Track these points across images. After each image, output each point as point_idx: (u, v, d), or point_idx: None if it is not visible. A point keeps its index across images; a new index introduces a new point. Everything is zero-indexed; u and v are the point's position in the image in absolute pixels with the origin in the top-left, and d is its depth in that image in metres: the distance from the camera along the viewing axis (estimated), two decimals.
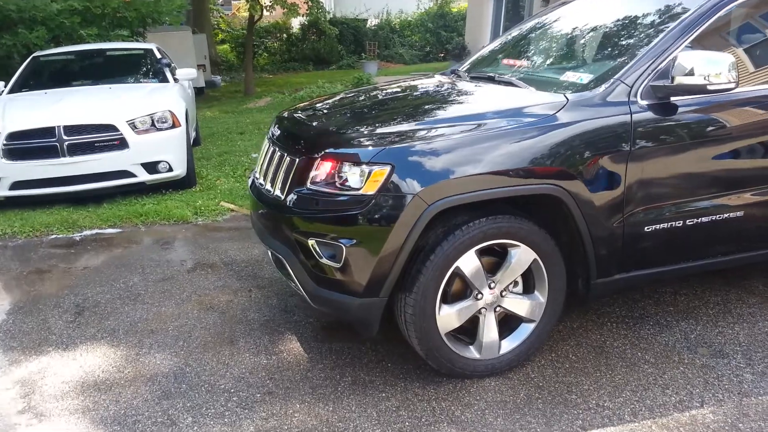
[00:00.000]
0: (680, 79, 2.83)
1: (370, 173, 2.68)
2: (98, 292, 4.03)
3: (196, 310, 3.76)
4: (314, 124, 3.32)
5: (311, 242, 2.82)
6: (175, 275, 4.28)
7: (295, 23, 25.38)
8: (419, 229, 2.67)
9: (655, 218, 3.02)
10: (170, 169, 5.91)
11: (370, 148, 2.75)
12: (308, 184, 2.88)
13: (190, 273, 4.32)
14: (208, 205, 5.79)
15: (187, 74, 7.28)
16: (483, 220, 2.77)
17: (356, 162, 2.73)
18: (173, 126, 5.94)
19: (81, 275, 4.32)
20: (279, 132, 3.33)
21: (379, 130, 2.90)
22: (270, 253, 3.26)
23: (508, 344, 3.03)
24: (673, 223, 3.06)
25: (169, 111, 5.95)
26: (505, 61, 3.95)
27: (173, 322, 3.61)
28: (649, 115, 2.92)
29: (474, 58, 4.40)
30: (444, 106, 3.35)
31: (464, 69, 4.17)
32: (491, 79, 3.57)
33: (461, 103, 3.37)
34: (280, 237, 3.03)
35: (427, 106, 3.39)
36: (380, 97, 3.69)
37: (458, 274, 2.81)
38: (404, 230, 2.67)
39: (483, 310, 2.92)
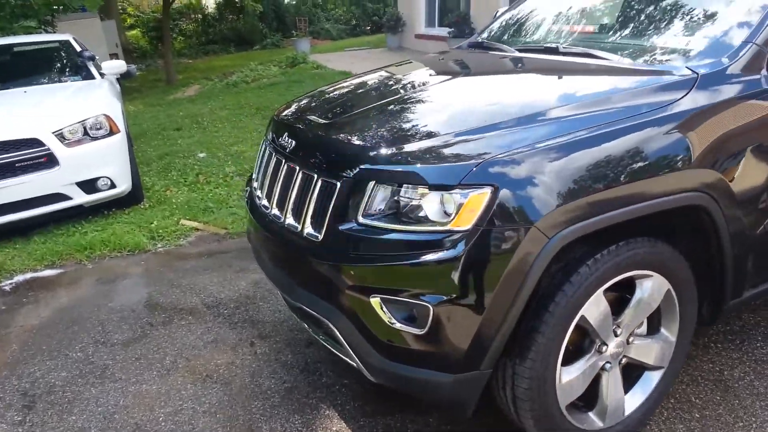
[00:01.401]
0: None
1: (463, 200, 1.86)
2: (50, 369, 3.03)
3: (189, 382, 2.84)
4: (353, 130, 2.39)
5: (375, 301, 1.99)
6: (147, 331, 3.31)
7: (210, 2, 23.69)
8: (538, 272, 1.90)
9: None
10: (112, 186, 4.83)
11: (459, 163, 1.92)
12: (359, 218, 2.04)
13: (166, 325, 3.36)
14: (166, 225, 4.77)
15: (115, 67, 6.12)
16: (614, 248, 2.02)
17: (440, 185, 1.90)
18: (111, 132, 4.84)
19: (21, 343, 3.28)
20: (292, 140, 2.42)
21: (454, 137, 2.05)
22: (292, 305, 2.39)
23: (633, 401, 2.32)
24: None
25: (104, 115, 4.83)
26: (553, 26, 3.16)
27: (163, 408, 2.68)
28: None
29: (495, 24, 3.60)
30: (523, 95, 2.46)
31: (493, 39, 3.35)
32: (552, 51, 2.78)
33: (546, 89, 2.48)
34: (318, 290, 2.17)
35: (497, 98, 2.51)
36: (411, 85, 2.84)
37: (581, 324, 2.06)
38: (518, 276, 1.88)
39: (607, 365, 2.19)
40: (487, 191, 1.85)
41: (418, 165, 1.97)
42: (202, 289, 3.75)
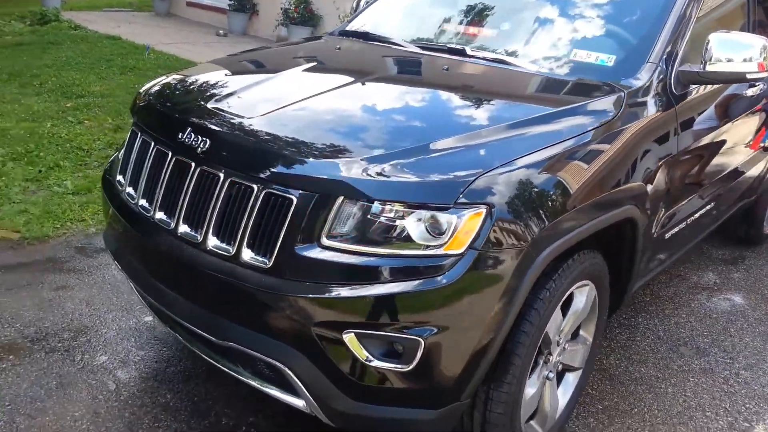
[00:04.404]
0: (716, 66, 2.42)
1: (459, 221, 1.69)
2: None
3: None
4: (301, 129, 2.02)
5: (350, 337, 1.72)
6: None
7: None
8: (526, 293, 1.82)
9: (671, 223, 2.67)
10: None
11: (451, 179, 1.72)
12: (323, 239, 1.74)
13: None
14: None
15: None
16: (571, 262, 2.03)
17: (430, 204, 1.70)
18: None
19: None
20: (205, 139, 1.96)
21: (431, 148, 1.84)
22: (214, 343, 1.96)
23: (561, 404, 2.39)
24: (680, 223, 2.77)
25: None
26: (448, 26, 3.06)
27: None
28: (680, 108, 2.49)
29: (368, 13, 3.39)
30: (474, 103, 2.34)
31: (370, 32, 3.13)
32: (458, 53, 2.69)
33: (494, 95, 2.42)
34: (263, 326, 1.81)
35: (445, 105, 2.36)
36: (332, 77, 2.52)
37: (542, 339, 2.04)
38: (510, 300, 1.79)
39: (550, 374, 2.21)
40: (483, 211, 1.70)
41: (402, 179, 1.73)
42: (15, 316, 2.93)
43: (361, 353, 1.73)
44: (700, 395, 2.73)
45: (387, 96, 2.40)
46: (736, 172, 3.23)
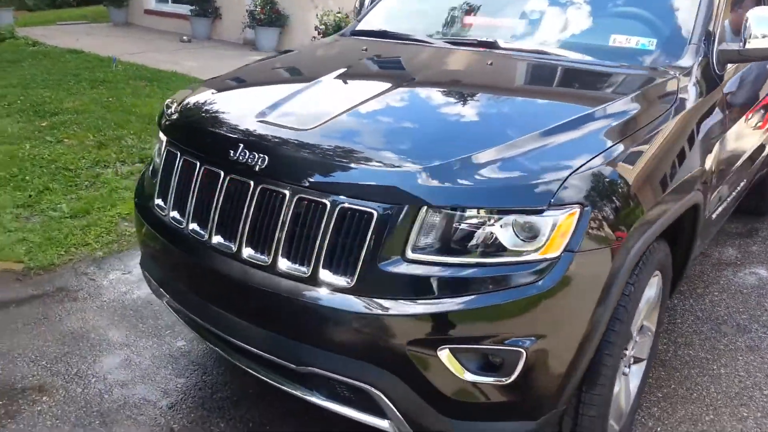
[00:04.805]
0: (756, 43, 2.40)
1: (555, 224, 1.61)
2: None
3: None
4: (369, 140, 1.94)
5: (445, 353, 1.63)
6: None
7: None
8: (620, 290, 1.76)
9: (718, 203, 2.65)
10: None
11: (543, 180, 1.64)
12: (408, 253, 1.64)
13: (13, 419, 2.37)
14: None
15: None
16: (648, 253, 1.98)
17: (523, 209, 1.61)
18: None
19: None
20: (262, 156, 1.83)
21: (508, 149, 1.75)
22: (294, 370, 1.84)
23: (632, 396, 2.34)
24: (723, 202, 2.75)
25: None
26: (470, 20, 2.96)
27: None
28: (725, 86, 2.46)
29: (375, 13, 3.28)
30: (538, 99, 2.28)
31: (389, 30, 3.02)
32: (490, 45, 2.60)
33: (550, 88, 2.36)
34: (349, 349, 1.71)
35: (502, 102, 2.29)
36: (378, 82, 2.41)
37: None
38: (606, 299, 1.72)
39: (626, 369, 2.16)
40: (576, 211, 1.63)
41: (489, 184, 1.64)
42: (39, 354, 2.75)
43: (458, 369, 1.65)
44: (754, 374, 2.72)
45: (437, 98, 2.30)
46: (761, 147, 3.25)
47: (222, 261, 1.88)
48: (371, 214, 1.65)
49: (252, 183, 1.83)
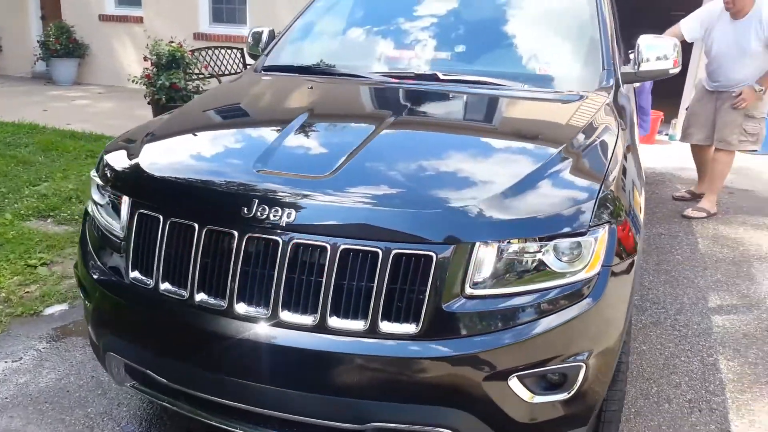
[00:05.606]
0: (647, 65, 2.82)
1: (595, 243, 1.75)
2: None
3: None
4: (403, 178, 1.91)
5: (514, 382, 1.69)
6: None
7: None
8: (634, 296, 1.95)
9: None
10: None
11: (576, 206, 1.76)
12: (467, 289, 1.67)
13: None
14: None
15: None
16: None
17: (566, 233, 1.72)
18: None
19: None
20: (288, 211, 1.70)
21: (527, 178, 1.84)
22: None
23: None
24: None
25: None
26: (384, 49, 3.00)
27: None
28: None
29: (285, 48, 3.18)
30: (516, 124, 2.42)
31: (313, 65, 2.96)
32: (430, 78, 2.69)
33: (515, 118, 2.51)
34: (418, 396, 1.68)
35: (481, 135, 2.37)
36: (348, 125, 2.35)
37: None
38: (629, 304, 1.90)
39: None
40: (606, 228, 1.78)
41: (534, 214, 1.73)
42: None
43: (526, 394, 1.70)
44: (667, 345, 3.14)
45: (433, 136, 2.34)
46: None
47: (251, 330, 1.71)
48: (429, 257, 1.63)
49: (281, 240, 1.69)
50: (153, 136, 2.19)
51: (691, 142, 5.01)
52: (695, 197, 5.11)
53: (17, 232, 4.00)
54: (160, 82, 6.29)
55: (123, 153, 2.11)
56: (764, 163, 6.43)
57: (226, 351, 1.76)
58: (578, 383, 1.74)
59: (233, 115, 2.57)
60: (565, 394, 1.74)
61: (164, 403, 1.95)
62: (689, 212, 4.84)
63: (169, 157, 2.07)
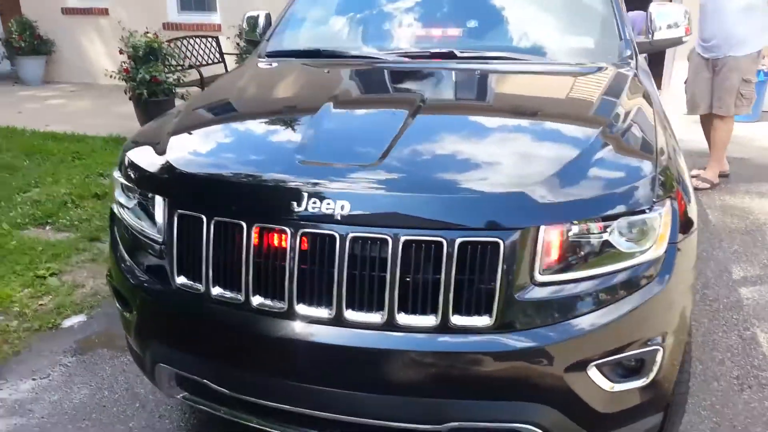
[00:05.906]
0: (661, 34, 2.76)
1: (660, 219, 1.68)
2: None
3: None
4: (461, 164, 1.80)
5: (593, 371, 1.61)
6: None
7: None
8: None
9: None
10: None
11: (641, 177, 1.68)
12: (537, 277, 1.58)
13: None
14: None
15: None
16: None
17: (631, 211, 1.63)
18: None
19: None
20: (343, 203, 1.59)
21: (584, 154, 1.75)
22: None
23: None
24: None
25: None
26: (394, 28, 2.88)
27: None
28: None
29: (287, 32, 3.03)
30: (543, 101, 2.31)
31: (323, 48, 2.82)
32: (444, 56, 2.58)
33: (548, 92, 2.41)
34: (496, 392, 1.61)
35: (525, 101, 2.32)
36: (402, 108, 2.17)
37: None
38: (695, 282, 1.84)
39: None
40: (668, 203, 1.71)
41: (596, 193, 1.64)
42: None
43: (605, 383, 1.64)
44: None
45: (472, 117, 2.21)
46: None
47: (317, 331, 1.61)
48: (496, 244, 1.54)
49: (337, 235, 1.58)
50: (178, 131, 2.05)
51: (699, 113, 4.96)
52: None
53: (18, 242, 3.82)
54: (140, 75, 6.03)
55: (148, 150, 1.98)
56: (752, 130, 6.45)
57: (292, 355, 1.67)
58: (656, 368, 1.69)
59: (256, 105, 2.44)
60: (644, 380, 1.70)
61: (221, 414, 1.84)
62: (694, 183, 4.82)
63: (200, 152, 1.95)
